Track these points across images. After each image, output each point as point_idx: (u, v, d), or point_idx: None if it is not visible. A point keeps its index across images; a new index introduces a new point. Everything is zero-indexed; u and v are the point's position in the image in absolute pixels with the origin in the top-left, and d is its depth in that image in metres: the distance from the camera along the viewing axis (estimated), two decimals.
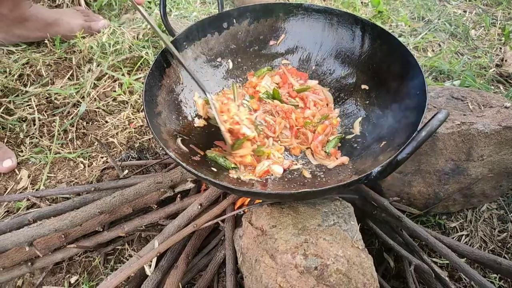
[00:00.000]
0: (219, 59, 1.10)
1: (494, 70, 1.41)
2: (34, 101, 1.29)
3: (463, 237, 1.07)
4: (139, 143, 1.21)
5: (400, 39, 1.55)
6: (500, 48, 1.57)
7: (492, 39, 1.62)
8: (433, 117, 0.69)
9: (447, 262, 1.01)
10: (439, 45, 1.57)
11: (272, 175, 0.89)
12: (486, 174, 1.00)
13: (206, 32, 1.07)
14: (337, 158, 0.93)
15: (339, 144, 0.98)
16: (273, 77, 1.09)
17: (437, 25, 1.64)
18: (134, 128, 1.24)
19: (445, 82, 1.34)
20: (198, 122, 1.00)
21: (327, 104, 1.06)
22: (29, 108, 1.28)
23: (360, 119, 1.00)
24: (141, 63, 1.40)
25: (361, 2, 1.76)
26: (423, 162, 0.98)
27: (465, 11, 1.78)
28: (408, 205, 1.04)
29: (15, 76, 1.35)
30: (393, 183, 1.02)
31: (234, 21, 1.10)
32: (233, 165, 0.90)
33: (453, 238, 1.06)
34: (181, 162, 0.76)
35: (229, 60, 1.10)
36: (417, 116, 0.81)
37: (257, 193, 0.77)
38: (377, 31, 1.01)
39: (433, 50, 1.54)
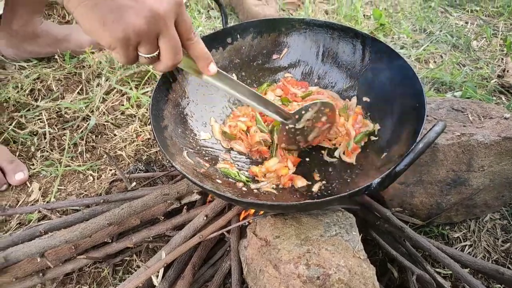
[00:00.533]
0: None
1: (495, 81, 1.43)
2: (45, 115, 1.33)
3: (467, 247, 1.08)
4: (147, 155, 1.24)
5: (402, 51, 1.58)
6: (502, 59, 1.58)
7: (493, 50, 1.64)
8: (430, 129, 0.71)
9: (450, 272, 1.01)
10: (441, 57, 1.59)
11: (289, 186, 0.92)
12: (487, 184, 1.01)
13: (211, 47, 1.10)
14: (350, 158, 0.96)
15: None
16: (275, 91, 1.12)
17: (439, 37, 1.67)
18: (142, 141, 1.27)
19: (446, 93, 1.36)
20: (204, 135, 1.02)
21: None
22: (40, 122, 1.32)
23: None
24: (148, 77, 1.43)
25: (364, 15, 1.79)
26: (424, 172, 0.99)
27: (466, 23, 1.81)
28: (410, 216, 1.05)
29: (27, 91, 1.40)
30: (395, 194, 1.04)
31: (238, 36, 1.13)
32: (246, 179, 0.93)
33: (456, 248, 1.07)
34: (186, 175, 0.79)
35: (233, 74, 1.13)
36: (416, 128, 0.83)
37: (260, 205, 0.79)
38: (376, 44, 1.03)
39: (435, 62, 1.56)
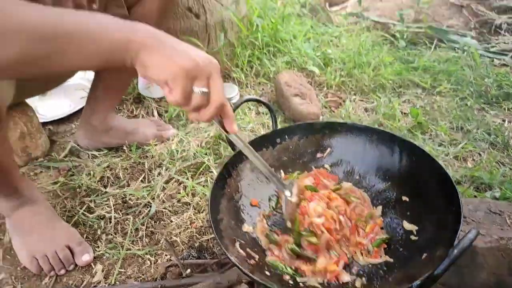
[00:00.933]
0: (272, 169, 1.26)
1: None
2: (112, 201, 1.49)
3: None
4: (199, 242, 1.34)
5: (440, 148, 1.67)
6: None
7: None
8: (464, 235, 0.78)
9: None
10: (480, 154, 1.66)
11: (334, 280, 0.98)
12: None
13: (261, 146, 1.25)
14: (380, 256, 1.02)
15: (385, 246, 1.06)
16: (305, 179, 1.20)
17: (476, 135, 1.74)
18: (195, 228, 1.39)
19: (486, 192, 1.40)
20: (246, 228, 1.11)
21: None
22: (107, 207, 1.48)
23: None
24: (203, 168, 1.59)
25: (402, 112, 1.92)
26: (465, 274, 1.02)
27: (503, 120, 1.88)
28: None
29: (97, 178, 1.59)
30: None
31: (286, 137, 1.28)
32: (292, 272, 1.00)
33: None
34: (240, 266, 0.88)
35: (281, 170, 1.26)
36: (453, 232, 0.89)
37: None
38: (412, 148, 1.14)
39: (473, 159, 1.63)
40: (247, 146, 1.02)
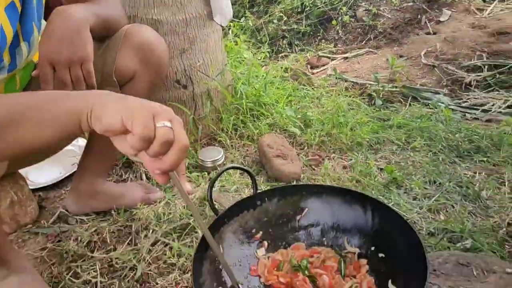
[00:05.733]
0: (253, 230, 1.33)
1: (505, 230, 1.54)
2: (98, 265, 1.52)
3: None
4: None
5: (414, 202, 1.75)
6: (511, 207, 1.71)
7: (502, 198, 1.78)
8: None
9: None
10: (452, 206, 1.74)
11: None
12: None
13: (243, 209, 1.32)
14: None
15: None
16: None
17: (448, 188, 1.84)
18: None
19: (457, 243, 1.47)
20: None
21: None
22: (93, 271, 1.50)
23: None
24: (188, 229, 1.64)
25: (378, 168, 2.02)
26: None
27: (475, 173, 1.99)
28: None
29: (84, 243, 1.62)
30: None
31: (266, 199, 1.36)
32: None
33: None
34: None
35: (261, 232, 1.32)
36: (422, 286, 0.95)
37: None
38: (382, 208, 1.22)
39: (446, 211, 1.71)
40: (198, 217, 0.98)
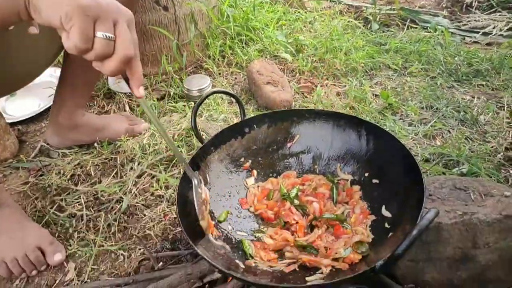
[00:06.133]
0: (242, 159, 1.26)
1: (502, 155, 1.49)
2: (83, 199, 1.47)
3: None
4: (173, 234, 1.34)
5: (410, 128, 1.68)
6: (509, 132, 1.66)
7: (500, 123, 1.72)
8: (424, 216, 0.79)
9: None
10: (449, 132, 1.68)
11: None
12: (496, 260, 1.05)
13: (230, 137, 1.25)
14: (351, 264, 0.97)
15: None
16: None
17: (445, 113, 1.77)
18: (169, 221, 1.38)
19: (454, 169, 1.42)
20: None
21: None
22: (79, 205, 1.46)
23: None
24: (175, 160, 1.58)
25: (373, 94, 1.93)
26: (432, 250, 1.04)
27: (473, 97, 1.91)
28: None
29: (68, 176, 1.56)
30: (407, 271, 1.08)
31: (255, 126, 1.28)
32: (254, 253, 1.01)
33: None
34: (207, 259, 0.88)
35: (250, 160, 1.26)
36: (417, 210, 0.91)
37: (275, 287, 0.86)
38: (378, 131, 1.15)
39: (443, 137, 1.65)
40: (155, 119, 0.89)
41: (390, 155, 1.11)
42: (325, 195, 1.15)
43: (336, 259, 0.97)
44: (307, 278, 0.93)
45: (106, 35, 0.66)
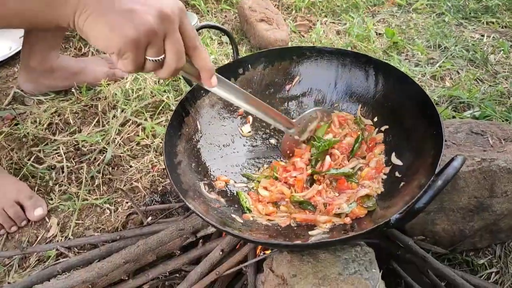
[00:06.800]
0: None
1: None
2: (62, 149, 1.35)
3: (493, 274, 1.03)
4: (162, 186, 1.24)
5: (417, 69, 1.56)
6: None
7: None
8: (448, 164, 0.69)
9: None
10: (458, 73, 1.56)
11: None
12: (511, 209, 0.97)
13: None
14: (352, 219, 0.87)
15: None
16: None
17: (454, 52, 1.64)
18: (157, 172, 1.28)
19: (465, 112, 1.32)
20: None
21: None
22: (58, 156, 1.34)
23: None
24: (162, 107, 1.45)
25: (376, 33, 1.78)
26: (445, 200, 0.96)
27: (482, 36, 1.77)
28: (433, 244, 1.02)
29: (45, 125, 1.43)
30: (416, 222, 1.01)
31: (249, 66, 1.13)
32: (251, 206, 0.92)
33: (482, 276, 1.02)
34: (200, 214, 0.78)
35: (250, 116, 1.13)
36: (434, 157, 0.80)
37: (276, 244, 0.78)
38: (389, 70, 1.02)
39: (451, 78, 1.53)
40: (240, 94, 0.87)
41: (402, 96, 0.99)
42: (348, 149, 1.02)
43: (338, 215, 0.88)
44: (310, 233, 0.84)
45: (155, 59, 0.66)
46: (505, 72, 1.55)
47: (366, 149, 1.00)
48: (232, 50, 1.14)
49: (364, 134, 1.03)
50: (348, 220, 0.86)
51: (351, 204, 0.89)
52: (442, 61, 1.58)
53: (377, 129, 1.03)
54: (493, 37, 1.75)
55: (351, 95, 1.10)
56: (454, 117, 1.30)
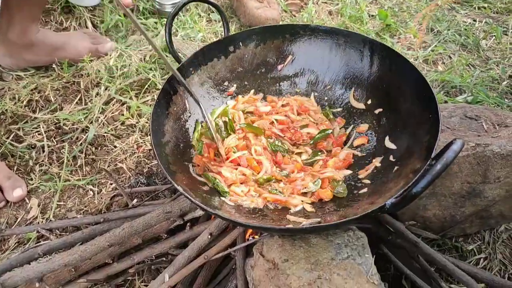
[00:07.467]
0: (226, 83, 1.09)
1: (507, 82, 1.38)
2: (43, 128, 1.29)
3: (482, 260, 1.03)
4: (148, 168, 1.20)
5: (409, 52, 1.53)
6: None
7: (504, 49, 1.58)
8: (447, 148, 0.66)
9: None
10: (450, 57, 1.54)
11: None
12: (503, 195, 0.97)
13: (212, 57, 1.06)
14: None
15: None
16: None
17: (446, 36, 1.61)
18: (143, 153, 1.23)
19: (457, 97, 1.31)
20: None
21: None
22: (38, 134, 1.28)
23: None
24: (148, 86, 1.39)
25: (369, 15, 1.74)
26: (438, 185, 0.95)
27: (474, 20, 1.75)
28: (423, 229, 1.01)
29: (24, 102, 1.36)
30: (407, 207, 0.99)
31: (241, 44, 1.09)
32: (226, 190, 0.88)
33: (471, 262, 1.02)
34: (189, 197, 0.75)
35: (235, 84, 1.09)
36: (431, 141, 0.79)
37: (268, 228, 0.75)
38: (385, 50, 0.99)
39: (443, 63, 1.52)
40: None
41: (397, 78, 0.96)
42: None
43: (304, 194, 0.87)
44: (288, 217, 0.81)
45: None
46: (496, 57, 1.54)
47: (333, 143, 0.97)
48: (222, 28, 1.09)
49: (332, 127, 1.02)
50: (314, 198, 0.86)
51: (315, 182, 0.88)
52: (435, 45, 1.55)
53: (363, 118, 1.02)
54: (485, 22, 1.73)
55: (345, 77, 1.07)
56: (446, 101, 1.29)
